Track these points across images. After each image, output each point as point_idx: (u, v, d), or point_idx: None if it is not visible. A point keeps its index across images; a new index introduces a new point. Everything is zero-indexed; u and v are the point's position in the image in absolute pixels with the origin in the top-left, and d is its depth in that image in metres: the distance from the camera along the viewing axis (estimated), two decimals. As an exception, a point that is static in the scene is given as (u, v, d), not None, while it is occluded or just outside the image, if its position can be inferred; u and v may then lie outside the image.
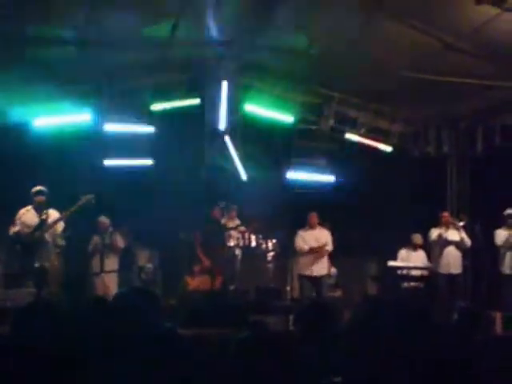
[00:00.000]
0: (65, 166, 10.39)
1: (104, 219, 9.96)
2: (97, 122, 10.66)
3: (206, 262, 10.06)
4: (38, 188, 8.27)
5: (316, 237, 9.85)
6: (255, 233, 10.66)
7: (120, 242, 10.05)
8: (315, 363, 3.19)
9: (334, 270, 11.16)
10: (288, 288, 10.28)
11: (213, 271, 10.02)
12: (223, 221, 10.62)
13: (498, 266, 9.08)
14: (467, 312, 4.39)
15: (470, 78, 9.44)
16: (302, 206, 10.67)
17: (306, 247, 9.72)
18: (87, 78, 9.91)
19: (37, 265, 8.09)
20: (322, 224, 10.24)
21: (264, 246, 10.65)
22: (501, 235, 9.00)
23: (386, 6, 8.18)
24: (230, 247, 10.36)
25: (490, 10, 7.70)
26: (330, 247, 9.91)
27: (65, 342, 3.11)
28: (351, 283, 11.42)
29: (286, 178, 11.81)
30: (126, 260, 10.52)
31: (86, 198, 8.34)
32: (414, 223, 10.77)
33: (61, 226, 8.35)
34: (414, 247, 10.50)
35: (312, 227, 9.89)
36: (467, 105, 10.89)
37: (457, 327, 4.04)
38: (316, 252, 9.74)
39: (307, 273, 9.64)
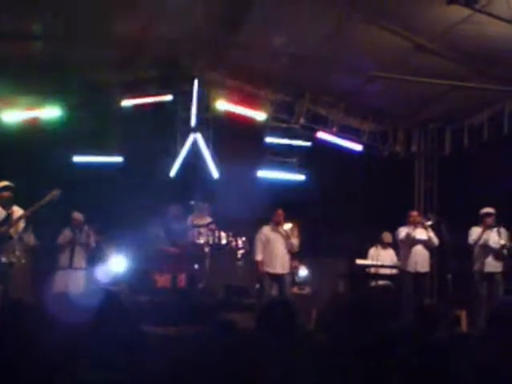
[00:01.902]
0: (33, 162, 10.26)
1: (78, 214, 9.79)
2: (66, 117, 10.56)
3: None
4: (5, 183, 8.14)
5: (277, 236, 9.64)
6: (225, 231, 10.62)
7: (93, 239, 9.92)
8: (280, 362, 3.20)
9: (302, 268, 11.20)
10: (257, 286, 10.26)
11: (175, 269, 9.98)
12: (190, 218, 10.57)
13: (472, 264, 9.14)
14: (429, 310, 4.43)
15: (440, 78, 9.52)
16: (273, 204, 10.68)
17: (260, 257, 9.62)
18: (56, 73, 9.78)
19: (3, 260, 7.98)
20: (291, 221, 10.23)
21: (234, 243, 10.60)
22: (474, 233, 9.09)
23: (358, 7, 8.24)
24: (200, 245, 10.31)
25: (462, 11, 7.78)
26: (295, 241, 9.76)
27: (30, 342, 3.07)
28: (320, 281, 11.45)
29: (257, 176, 11.81)
30: (96, 257, 10.43)
31: (53, 194, 8.22)
32: (383, 222, 10.86)
33: (22, 223, 8.24)
34: (384, 245, 10.58)
35: (277, 225, 9.74)
36: (436, 105, 11.00)
37: (418, 325, 4.09)
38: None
39: (270, 270, 9.55)
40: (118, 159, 11.06)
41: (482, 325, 8.06)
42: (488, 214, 9.01)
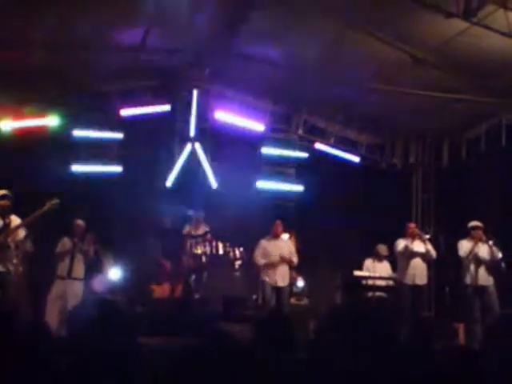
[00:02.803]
0: (31, 170, 10.23)
1: (80, 222, 9.65)
2: (65, 126, 10.58)
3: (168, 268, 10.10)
4: (2, 192, 8.12)
5: (279, 247, 9.64)
6: (223, 241, 10.60)
7: (92, 249, 9.80)
8: (278, 373, 3.19)
9: (300, 279, 11.17)
10: (254, 296, 10.24)
11: (173, 279, 9.97)
12: (188, 228, 10.54)
13: (461, 278, 9.12)
14: (426, 322, 4.43)
15: (438, 91, 9.56)
16: (270, 215, 10.69)
17: (262, 261, 9.52)
18: (56, 82, 9.80)
19: (0, 269, 7.94)
20: (288, 232, 10.22)
21: (231, 254, 10.58)
22: (464, 247, 9.05)
23: (357, 20, 8.27)
24: (197, 255, 10.29)
25: (460, 24, 7.83)
26: (295, 259, 9.74)
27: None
28: (318, 293, 11.43)
29: (255, 187, 11.82)
30: (93, 267, 10.36)
31: (51, 204, 8.20)
32: (380, 234, 10.85)
33: (23, 232, 8.21)
34: (379, 258, 10.54)
35: (276, 237, 9.69)
36: (434, 118, 11.02)
37: (415, 337, 4.08)
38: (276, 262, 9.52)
39: (271, 282, 9.47)
40: (117, 169, 11.06)
41: (480, 338, 8.05)
42: (476, 227, 8.98)
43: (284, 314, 4.00)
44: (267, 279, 9.46)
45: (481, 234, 8.89)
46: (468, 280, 8.91)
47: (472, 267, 8.90)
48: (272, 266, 9.45)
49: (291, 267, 9.82)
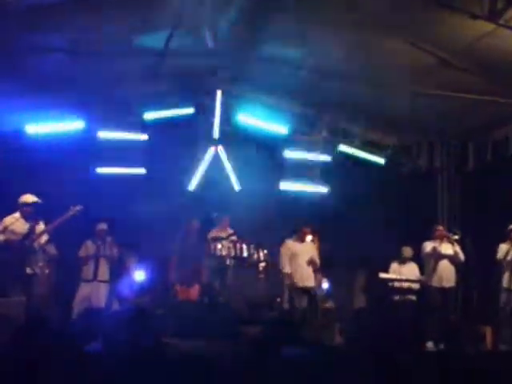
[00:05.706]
0: (56, 174, 10.32)
1: (103, 225, 9.77)
2: (90, 129, 10.67)
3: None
4: (34, 199, 8.23)
5: (306, 250, 9.63)
6: (247, 243, 10.58)
7: (116, 251, 9.88)
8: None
9: (325, 282, 11.13)
10: (278, 299, 10.22)
11: (189, 280, 9.97)
12: (213, 232, 10.52)
13: (499, 281, 8.97)
14: (454, 326, 4.38)
15: (463, 92, 9.47)
16: (295, 217, 10.68)
17: (288, 270, 9.51)
18: (80, 87, 9.87)
19: (28, 272, 8.04)
20: (312, 233, 10.20)
21: (256, 256, 10.58)
22: (501, 250, 8.95)
23: (383, 22, 8.23)
24: (222, 257, 10.29)
25: (485, 26, 7.76)
26: (317, 262, 9.74)
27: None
28: (343, 295, 11.40)
29: (278, 189, 11.81)
30: (118, 270, 10.43)
31: (75, 210, 8.28)
32: (405, 236, 10.78)
33: (45, 237, 8.31)
34: (404, 260, 10.47)
35: (301, 241, 9.71)
36: (459, 120, 10.92)
37: (444, 341, 4.01)
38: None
39: (299, 284, 9.46)
40: (141, 171, 11.14)
41: (509, 340, 7.96)
42: None
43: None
44: (296, 283, 9.41)
45: None
46: (504, 283, 8.79)
47: (508, 270, 8.78)
48: (299, 267, 9.45)
49: (315, 270, 9.82)
